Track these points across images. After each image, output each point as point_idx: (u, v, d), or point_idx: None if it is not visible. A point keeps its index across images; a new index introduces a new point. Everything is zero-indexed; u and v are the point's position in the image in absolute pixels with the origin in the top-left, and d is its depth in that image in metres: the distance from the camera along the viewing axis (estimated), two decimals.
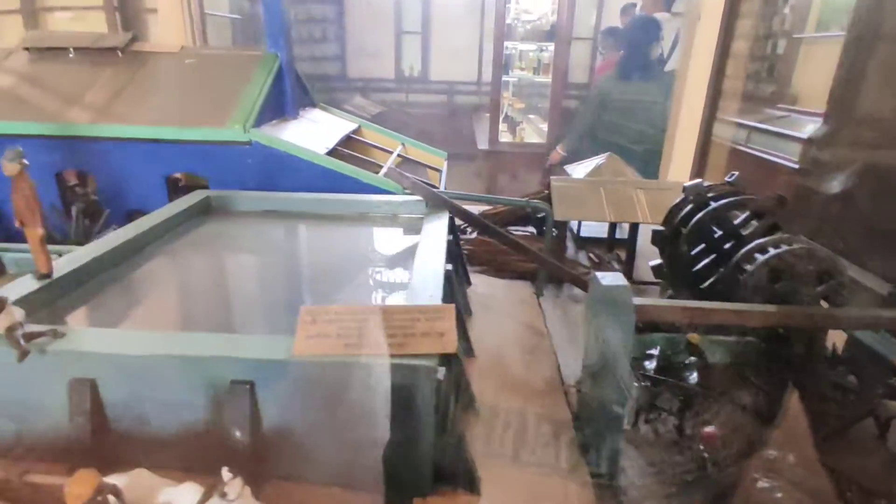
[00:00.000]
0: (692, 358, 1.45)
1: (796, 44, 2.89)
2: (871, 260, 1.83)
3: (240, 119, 2.02)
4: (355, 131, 2.68)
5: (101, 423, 0.97)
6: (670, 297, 1.73)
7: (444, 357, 0.95)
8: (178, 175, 2.20)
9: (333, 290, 1.37)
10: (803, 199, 2.39)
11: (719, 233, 1.59)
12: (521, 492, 1.13)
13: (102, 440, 0.97)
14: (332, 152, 2.21)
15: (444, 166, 2.68)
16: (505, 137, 5.89)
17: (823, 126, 2.44)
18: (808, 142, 2.52)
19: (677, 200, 1.67)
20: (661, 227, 1.71)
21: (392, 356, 0.92)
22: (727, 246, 1.56)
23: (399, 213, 1.82)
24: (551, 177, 2.21)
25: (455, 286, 1.43)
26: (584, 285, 1.88)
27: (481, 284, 2.05)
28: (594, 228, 2.59)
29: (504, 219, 2.54)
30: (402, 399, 0.92)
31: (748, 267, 1.33)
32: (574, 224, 2.59)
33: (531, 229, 2.58)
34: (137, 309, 1.29)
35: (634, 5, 4.89)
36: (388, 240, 1.68)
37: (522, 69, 6.38)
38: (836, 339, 1.43)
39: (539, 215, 2.47)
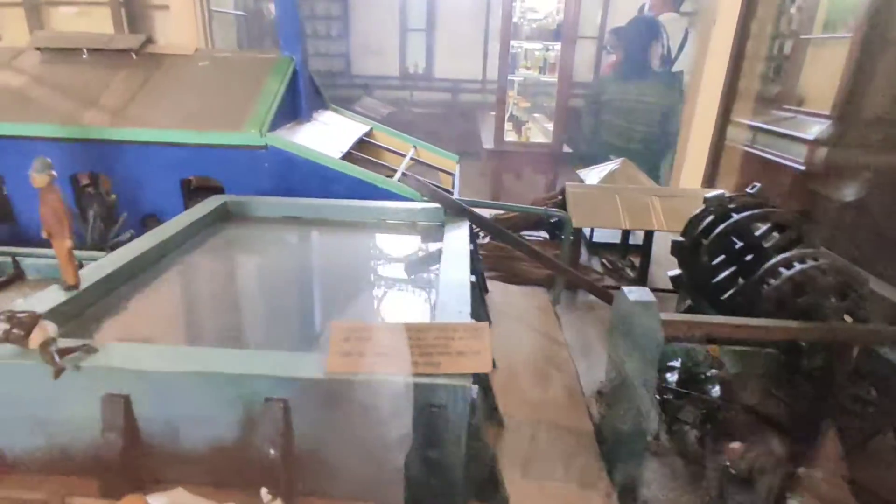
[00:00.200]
0: (713, 370, 1.45)
1: (807, 44, 2.86)
2: (885, 270, 1.84)
3: (256, 123, 2.01)
4: (367, 133, 2.67)
5: (134, 439, 0.97)
6: (689, 308, 1.73)
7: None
8: (190, 177, 2.20)
9: (358, 302, 1.37)
10: (822, 208, 2.38)
11: (740, 244, 1.59)
12: None
13: (135, 456, 0.97)
14: (346, 156, 2.20)
15: (457, 170, 2.68)
16: (510, 137, 5.87)
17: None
18: (814, 142, 2.50)
19: (697, 211, 1.67)
20: (681, 238, 1.71)
21: (427, 375, 0.92)
22: (748, 258, 1.56)
23: (418, 220, 1.82)
24: (567, 183, 2.21)
25: (478, 296, 1.43)
26: (602, 295, 1.89)
27: (497, 291, 2.05)
28: (606, 234, 2.59)
29: (516, 224, 2.54)
30: (436, 418, 0.92)
31: (772, 281, 1.33)
32: (586, 230, 2.59)
33: (544, 234, 2.58)
34: (165, 320, 1.28)
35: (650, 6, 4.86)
36: (410, 248, 1.68)
37: (528, 68, 6.35)
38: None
39: (552, 220, 2.47)
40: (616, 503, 1.22)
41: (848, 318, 1.32)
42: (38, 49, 2.33)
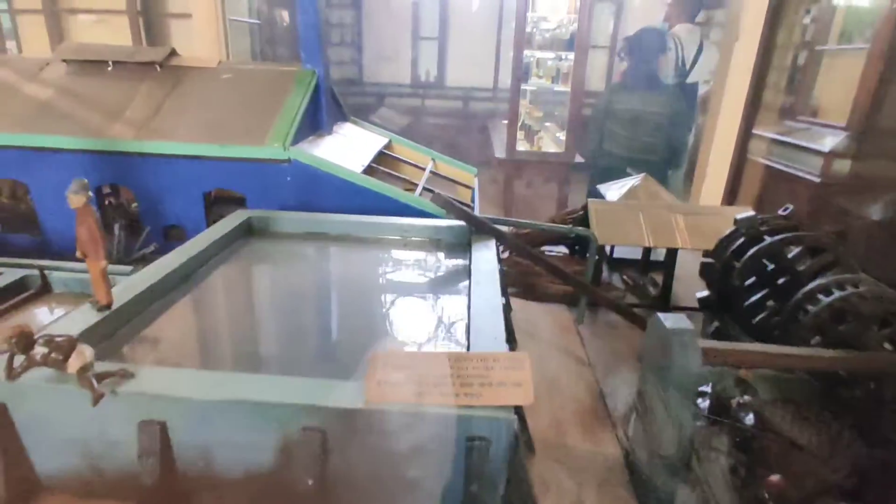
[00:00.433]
0: (746, 396, 1.42)
1: (821, 56, 2.83)
2: None
3: (279, 137, 2.01)
4: (387, 146, 2.67)
5: (171, 465, 0.96)
6: (716, 329, 1.70)
7: None
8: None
9: (388, 325, 1.35)
10: (843, 223, 2.35)
11: (772, 267, 1.56)
12: None
13: (171, 482, 0.96)
14: (367, 169, 2.20)
15: (476, 183, 2.66)
16: (522, 146, 5.86)
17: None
18: (829, 154, 2.46)
19: (728, 232, 1.65)
20: (710, 259, 1.69)
21: (468, 407, 0.90)
22: (781, 281, 1.53)
23: (444, 238, 1.81)
24: (588, 199, 2.19)
25: (508, 319, 1.42)
26: (629, 316, 1.86)
27: (519, 309, 2.03)
28: (627, 250, 2.57)
29: (535, 239, 2.52)
30: (477, 451, 0.90)
31: (810, 307, 1.31)
32: (607, 246, 2.57)
33: (563, 249, 2.56)
34: (196, 341, 1.28)
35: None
36: (437, 268, 1.66)
37: (540, 77, 6.35)
38: None
39: (572, 236, 2.45)
40: None
41: (888, 346, 1.29)
42: (64, 61, 2.35)
